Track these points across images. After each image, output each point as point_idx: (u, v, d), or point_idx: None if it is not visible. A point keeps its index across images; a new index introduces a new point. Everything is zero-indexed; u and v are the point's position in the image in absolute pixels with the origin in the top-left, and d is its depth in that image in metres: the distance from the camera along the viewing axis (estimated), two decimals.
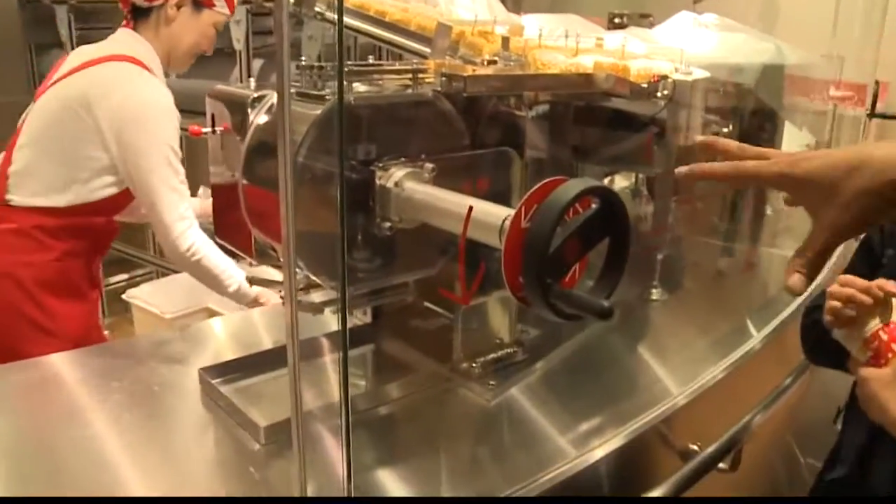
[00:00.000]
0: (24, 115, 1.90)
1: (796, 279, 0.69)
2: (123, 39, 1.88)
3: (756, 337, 1.47)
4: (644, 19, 3.78)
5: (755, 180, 0.75)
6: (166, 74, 1.93)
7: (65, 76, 1.83)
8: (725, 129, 2.02)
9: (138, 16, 1.88)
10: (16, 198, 1.80)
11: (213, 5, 1.91)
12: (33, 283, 1.78)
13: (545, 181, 0.82)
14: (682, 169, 0.77)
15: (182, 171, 1.78)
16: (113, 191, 1.82)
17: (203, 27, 1.91)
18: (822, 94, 2.58)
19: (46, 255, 1.79)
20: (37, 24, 3.65)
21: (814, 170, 0.69)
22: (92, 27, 3.43)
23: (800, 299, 1.65)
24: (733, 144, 0.78)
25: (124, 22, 1.91)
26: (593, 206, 0.83)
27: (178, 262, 1.84)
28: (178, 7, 1.87)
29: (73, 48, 3.40)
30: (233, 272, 1.80)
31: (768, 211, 2.20)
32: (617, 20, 3.80)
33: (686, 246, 1.83)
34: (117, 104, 1.74)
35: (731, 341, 1.42)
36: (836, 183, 0.67)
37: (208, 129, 1.19)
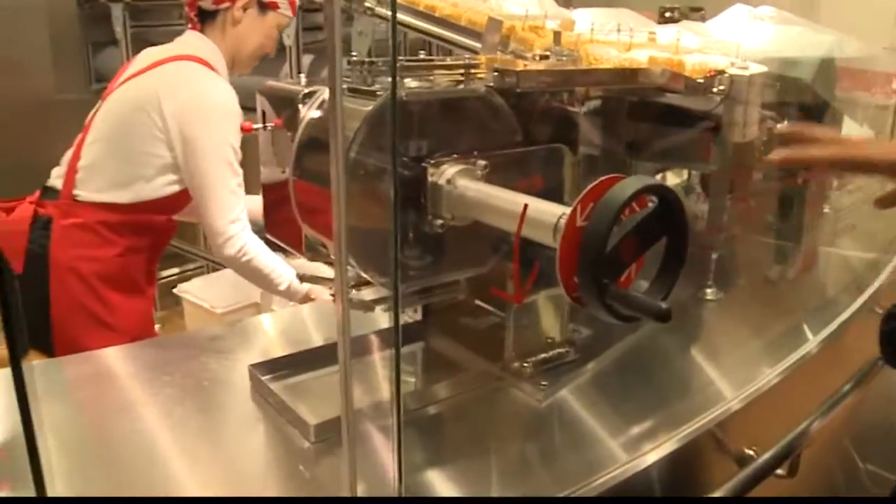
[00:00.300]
0: (92, 111, 1.94)
1: None
2: (190, 41, 1.91)
3: (814, 339, 1.42)
4: (696, 13, 3.71)
5: (867, 167, 0.71)
6: (230, 75, 1.96)
7: (134, 76, 1.87)
8: (780, 125, 1.97)
9: (205, 18, 1.91)
10: (82, 193, 1.84)
11: (278, 7, 1.93)
12: (95, 277, 1.81)
13: (601, 179, 0.79)
14: (778, 153, 0.73)
15: (241, 172, 1.80)
16: (174, 189, 1.85)
17: (267, 29, 1.94)
18: (885, 87, 2.50)
19: (109, 250, 1.83)
20: (93, 22, 3.71)
21: None
22: (146, 25, 3.48)
23: (859, 301, 1.59)
24: (826, 133, 0.75)
25: (190, 25, 1.94)
26: (650, 204, 0.80)
27: (227, 263, 1.86)
28: (244, 9, 1.90)
29: (128, 46, 3.47)
30: (282, 271, 1.81)
31: (826, 209, 2.13)
32: (668, 14, 3.73)
33: (741, 245, 1.78)
34: (183, 102, 1.77)
35: (789, 343, 1.38)
36: None
37: (259, 126, 1.19)
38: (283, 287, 1.83)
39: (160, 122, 1.79)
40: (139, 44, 3.49)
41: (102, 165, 1.84)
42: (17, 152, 3.46)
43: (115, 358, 1.29)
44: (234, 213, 1.79)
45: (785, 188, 1.98)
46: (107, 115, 1.87)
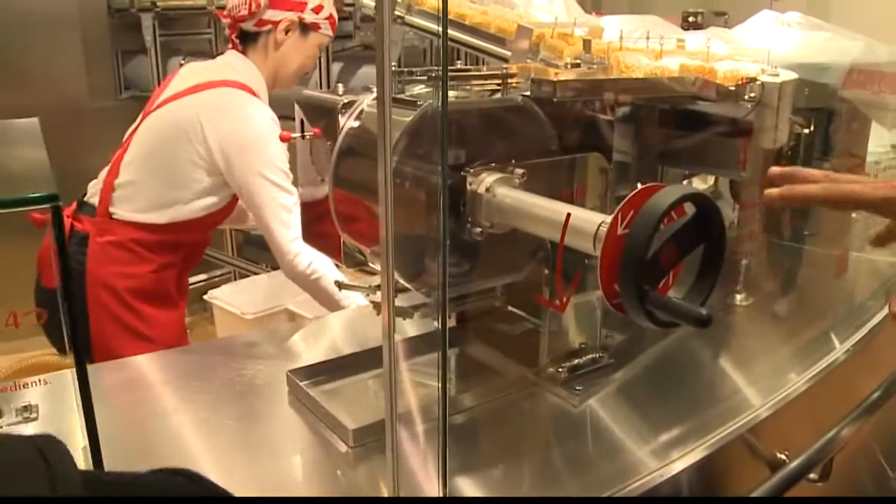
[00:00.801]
0: (131, 128, 1.96)
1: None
2: (234, 63, 1.92)
3: (844, 345, 1.42)
4: (719, 17, 3.72)
5: (856, 203, 0.74)
6: (270, 91, 1.99)
7: (176, 96, 1.87)
8: (806, 130, 1.97)
9: (246, 40, 1.92)
10: (118, 211, 1.86)
11: (320, 28, 1.96)
12: (129, 293, 1.84)
13: (642, 187, 0.81)
14: (772, 192, 0.76)
15: (293, 190, 1.82)
16: (211, 210, 1.87)
17: (309, 49, 1.97)
18: None
19: (143, 267, 1.85)
20: (123, 30, 3.77)
21: None
22: (175, 34, 3.53)
23: (882, 313, 1.59)
24: (818, 173, 0.78)
25: (230, 45, 1.95)
26: (689, 212, 0.81)
27: (296, 281, 1.87)
28: (287, 32, 1.91)
29: (157, 54, 3.52)
30: (349, 292, 1.83)
31: (855, 214, 2.12)
32: (691, 19, 3.74)
33: (771, 250, 1.78)
34: (228, 131, 1.80)
35: (819, 349, 1.38)
36: None
37: (297, 134, 1.21)
38: (346, 304, 1.83)
39: (202, 150, 1.82)
40: (168, 52, 3.55)
41: (140, 186, 1.86)
42: (51, 159, 3.51)
43: (150, 364, 1.31)
44: (294, 231, 1.81)
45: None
46: (146, 135, 1.88)
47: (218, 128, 1.80)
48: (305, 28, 1.94)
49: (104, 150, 3.86)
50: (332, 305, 1.86)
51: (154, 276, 1.88)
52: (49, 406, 1.09)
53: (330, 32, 1.99)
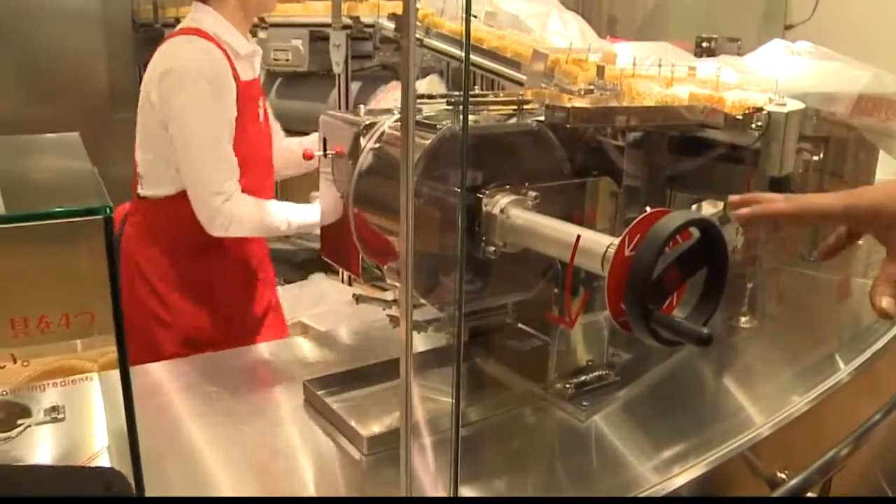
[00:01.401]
0: None
1: (886, 303, 0.72)
2: (191, 15, 1.83)
3: (846, 368, 1.45)
4: (732, 43, 3.75)
5: (822, 216, 0.77)
6: (260, 24, 1.91)
7: None
8: (817, 158, 2.00)
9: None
10: (141, 190, 1.90)
11: None
12: (153, 274, 1.85)
13: (648, 212, 0.85)
14: (742, 212, 0.78)
15: (228, 138, 1.67)
16: None
17: None
18: None
19: (160, 245, 1.86)
20: (146, 44, 3.85)
21: (879, 198, 0.72)
22: None
23: (892, 332, 1.62)
24: (777, 196, 0.80)
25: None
26: (694, 236, 0.86)
27: (214, 233, 1.74)
28: None
29: None
30: (279, 214, 1.70)
31: (860, 241, 2.15)
32: (705, 44, 3.78)
33: (776, 274, 1.81)
34: (160, 77, 1.71)
35: (821, 371, 1.41)
36: None
37: (320, 153, 1.26)
38: (283, 227, 1.70)
39: (157, 105, 1.74)
40: None
41: (142, 163, 1.88)
42: None
43: (166, 371, 1.35)
44: (215, 185, 1.66)
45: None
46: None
47: (155, 79, 1.73)
48: None
49: (125, 162, 3.94)
50: (270, 234, 1.77)
51: (175, 260, 1.85)
52: (73, 408, 1.13)
53: None
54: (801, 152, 1.80)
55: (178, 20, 3.55)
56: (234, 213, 1.64)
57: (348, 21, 2.62)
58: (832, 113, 1.96)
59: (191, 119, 1.64)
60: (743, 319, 1.55)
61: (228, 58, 1.67)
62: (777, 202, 0.79)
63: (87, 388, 1.15)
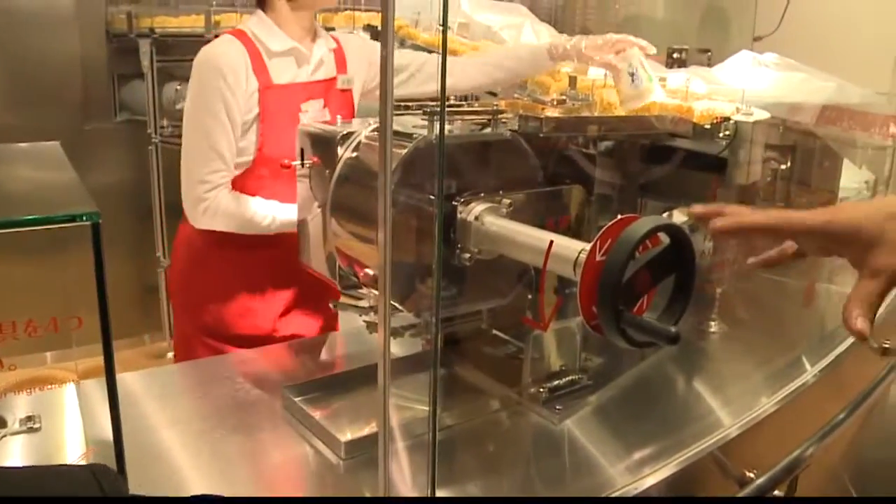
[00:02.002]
0: None
1: (861, 323, 0.73)
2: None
3: (812, 369, 1.49)
4: (703, 54, 3.80)
5: (800, 229, 0.78)
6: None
7: None
8: (783, 166, 2.05)
9: (260, 2, 1.74)
10: None
11: None
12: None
13: (619, 218, 0.87)
14: (718, 222, 0.79)
15: (223, 131, 1.61)
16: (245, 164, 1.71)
17: None
18: (882, 128, 2.58)
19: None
20: (121, 55, 3.84)
21: (857, 217, 0.73)
22: (173, 59, 3.59)
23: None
24: (745, 209, 0.81)
25: None
26: (663, 242, 0.88)
27: (196, 222, 1.68)
28: None
29: (154, 79, 3.58)
30: (263, 210, 1.65)
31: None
32: (676, 55, 3.83)
33: (744, 280, 1.85)
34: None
35: (788, 373, 1.45)
36: (882, 228, 0.72)
37: (297, 162, 1.28)
38: (266, 223, 1.65)
39: None
40: (164, 77, 3.61)
41: None
42: None
43: (147, 379, 1.35)
44: (201, 173, 1.62)
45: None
46: None
47: None
48: None
49: (98, 172, 3.93)
50: (253, 229, 1.66)
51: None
52: (51, 418, 1.13)
53: None
54: (769, 161, 1.85)
55: (152, 30, 3.56)
56: (219, 205, 1.63)
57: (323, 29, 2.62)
58: (798, 122, 2.01)
59: (189, 107, 1.65)
60: (712, 324, 1.58)
61: (259, 57, 1.65)
62: (751, 215, 0.79)
63: (64, 396, 1.16)
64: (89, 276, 0.76)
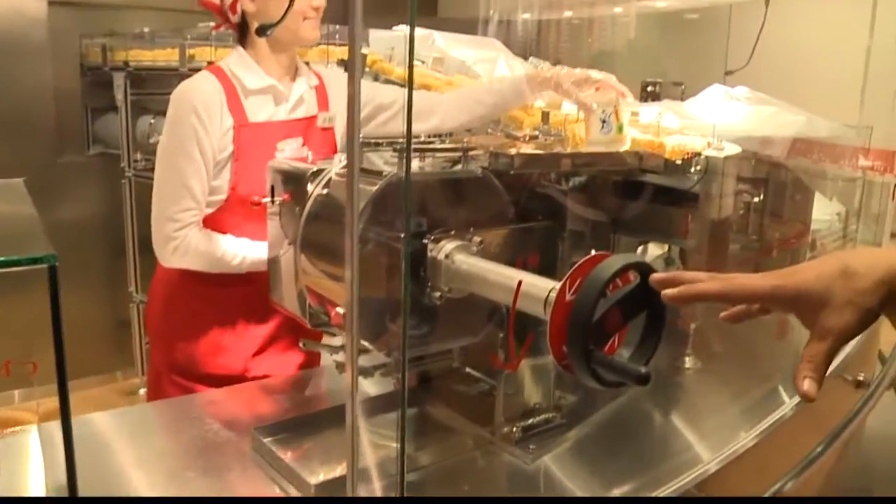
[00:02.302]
0: None
1: (808, 385, 0.74)
2: None
3: (790, 402, 1.49)
4: (676, 87, 3.86)
5: (750, 296, 0.80)
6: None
7: None
8: (756, 199, 2.07)
9: (244, 37, 1.72)
10: None
11: None
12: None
13: (589, 256, 0.87)
14: (669, 292, 0.80)
15: (195, 168, 1.59)
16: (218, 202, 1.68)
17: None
18: (852, 162, 2.62)
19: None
20: (95, 88, 3.84)
21: (806, 280, 0.75)
22: (147, 93, 3.59)
23: (833, 365, 1.66)
24: (703, 275, 0.82)
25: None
26: (633, 280, 0.88)
27: (164, 261, 1.65)
28: None
29: (127, 112, 3.57)
30: (234, 249, 1.61)
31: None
32: (650, 88, 3.89)
33: (718, 314, 1.86)
34: None
35: (766, 406, 1.45)
36: (829, 289, 0.73)
37: (268, 199, 1.27)
38: (236, 262, 1.61)
39: None
40: (137, 110, 3.60)
41: None
42: None
43: (115, 420, 1.32)
44: (171, 210, 1.59)
45: (760, 260, 2.07)
46: None
47: None
48: None
49: (71, 206, 3.90)
50: (223, 268, 1.62)
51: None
52: (12, 461, 1.10)
53: None
54: (741, 193, 1.86)
55: (126, 63, 3.56)
56: (189, 244, 1.60)
57: None
58: (769, 156, 2.03)
59: (163, 142, 1.63)
60: (687, 360, 1.58)
61: (235, 94, 1.63)
62: (705, 282, 0.81)
63: (26, 440, 1.13)
64: (48, 317, 0.75)
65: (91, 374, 3.95)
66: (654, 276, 0.84)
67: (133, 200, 3.65)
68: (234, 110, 1.61)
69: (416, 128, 1.78)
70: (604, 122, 1.39)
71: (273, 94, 1.68)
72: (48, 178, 3.72)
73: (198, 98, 1.59)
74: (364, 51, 2.15)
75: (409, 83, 0.93)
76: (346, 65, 2.28)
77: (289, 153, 1.64)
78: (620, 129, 1.41)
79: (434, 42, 2.21)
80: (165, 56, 3.33)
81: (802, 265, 0.77)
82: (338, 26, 2.30)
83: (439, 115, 1.78)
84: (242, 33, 1.70)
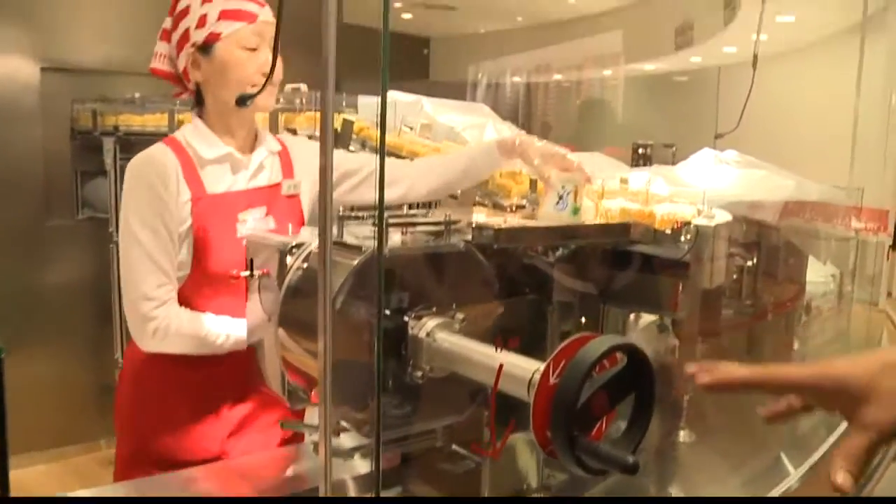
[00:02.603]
0: None
1: (843, 478, 0.71)
2: None
3: (795, 473, 1.45)
4: (667, 149, 3.88)
5: (788, 384, 0.77)
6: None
7: None
8: (749, 263, 2.05)
9: (200, 104, 1.68)
10: None
11: (219, 36, 1.59)
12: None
13: (573, 338, 0.84)
14: (703, 380, 0.77)
15: (161, 242, 1.54)
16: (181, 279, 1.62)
17: (226, 61, 1.60)
18: (844, 222, 2.61)
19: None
20: (84, 152, 3.86)
21: (848, 371, 0.72)
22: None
23: (837, 431, 1.62)
24: (742, 370, 0.79)
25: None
26: (619, 363, 0.85)
27: (144, 345, 1.57)
28: (196, 66, 1.62)
29: (116, 176, 3.57)
30: (217, 328, 1.55)
31: (796, 346, 2.19)
32: (641, 150, 3.90)
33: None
34: None
35: (769, 478, 1.41)
36: (872, 382, 0.70)
37: (246, 273, 1.24)
38: (220, 341, 1.55)
39: None
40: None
41: None
42: (5, 276, 3.52)
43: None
44: (145, 290, 1.53)
45: (755, 324, 2.04)
46: None
47: None
48: (205, 49, 1.60)
49: (58, 268, 3.89)
50: (208, 349, 1.56)
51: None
52: None
53: (232, 25, 1.59)
54: (733, 257, 1.85)
55: (116, 128, 3.58)
56: (170, 324, 1.52)
57: (285, 132, 2.64)
58: (760, 221, 2.02)
59: (125, 219, 1.56)
60: (682, 433, 1.54)
61: (191, 165, 1.58)
62: (738, 370, 0.78)
63: None
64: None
65: (74, 443, 3.88)
66: (689, 367, 0.80)
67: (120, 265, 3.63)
68: (190, 182, 1.57)
69: (386, 193, 1.72)
70: (561, 197, 1.35)
71: (231, 163, 1.63)
72: (37, 241, 3.71)
73: (153, 171, 1.54)
74: (351, 117, 2.15)
75: (381, 153, 0.91)
76: (336, 132, 2.29)
77: (251, 224, 1.59)
78: (576, 211, 1.37)
79: (422, 108, 2.22)
80: (155, 121, 3.35)
81: (837, 358, 0.74)
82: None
83: (406, 183, 1.74)
84: (198, 101, 1.66)
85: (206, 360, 1.58)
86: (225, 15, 1.59)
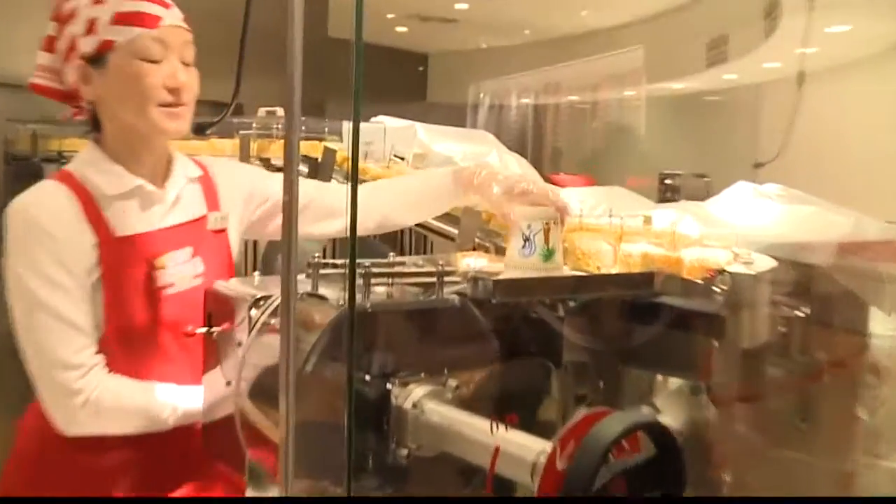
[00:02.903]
0: None
1: None
2: None
3: None
4: (699, 179, 3.87)
5: None
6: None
7: None
8: (798, 314, 2.02)
9: (96, 126, 1.59)
10: None
11: (112, 44, 1.48)
12: None
13: (584, 413, 0.83)
14: None
15: (70, 298, 1.44)
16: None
17: (121, 73, 1.49)
18: None
19: None
20: (20, 180, 3.85)
21: None
22: None
23: None
24: None
25: None
26: (642, 449, 0.83)
27: (70, 429, 1.44)
28: (84, 81, 1.52)
29: None
30: (162, 398, 1.45)
31: (863, 414, 2.16)
32: (668, 181, 3.90)
33: (759, 461, 1.79)
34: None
35: None
36: None
37: (204, 329, 1.23)
38: (166, 415, 1.44)
39: None
40: None
41: None
42: None
43: None
44: (63, 359, 1.41)
45: (807, 387, 2.00)
46: None
47: None
48: (97, 61, 1.50)
49: None
50: (150, 425, 1.45)
51: None
52: None
53: (129, 32, 1.48)
54: (779, 307, 1.82)
55: (61, 154, 3.58)
56: (102, 396, 1.40)
57: (257, 163, 2.65)
58: (811, 265, 2.00)
59: (14, 279, 1.43)
60: None
61: (92, 203, 1.47)
62: None
63: None
64: None
65: None
66: None
67: None
68: (94, 223, 1.46)
69: (324, 230, 1.67)
70: (527, 239, 1.22)
71: (140, 198, 1.52)
72: None
73: (45, 218, 1.43)
74: (334, 146, 2.15)
75: (354, 188, 0.91)
76: (310, 162, 2.29)
77: (174, 270, 1.50)
78: (548, 255, 1.22)
79: (416, 135, 2.22)
80: None
81: None
82: (303, 117, 2.31)
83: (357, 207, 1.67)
84: (94, 124, 1.56)
85: (115, 443, 1.46)
86: (119, 19, 1.47)
